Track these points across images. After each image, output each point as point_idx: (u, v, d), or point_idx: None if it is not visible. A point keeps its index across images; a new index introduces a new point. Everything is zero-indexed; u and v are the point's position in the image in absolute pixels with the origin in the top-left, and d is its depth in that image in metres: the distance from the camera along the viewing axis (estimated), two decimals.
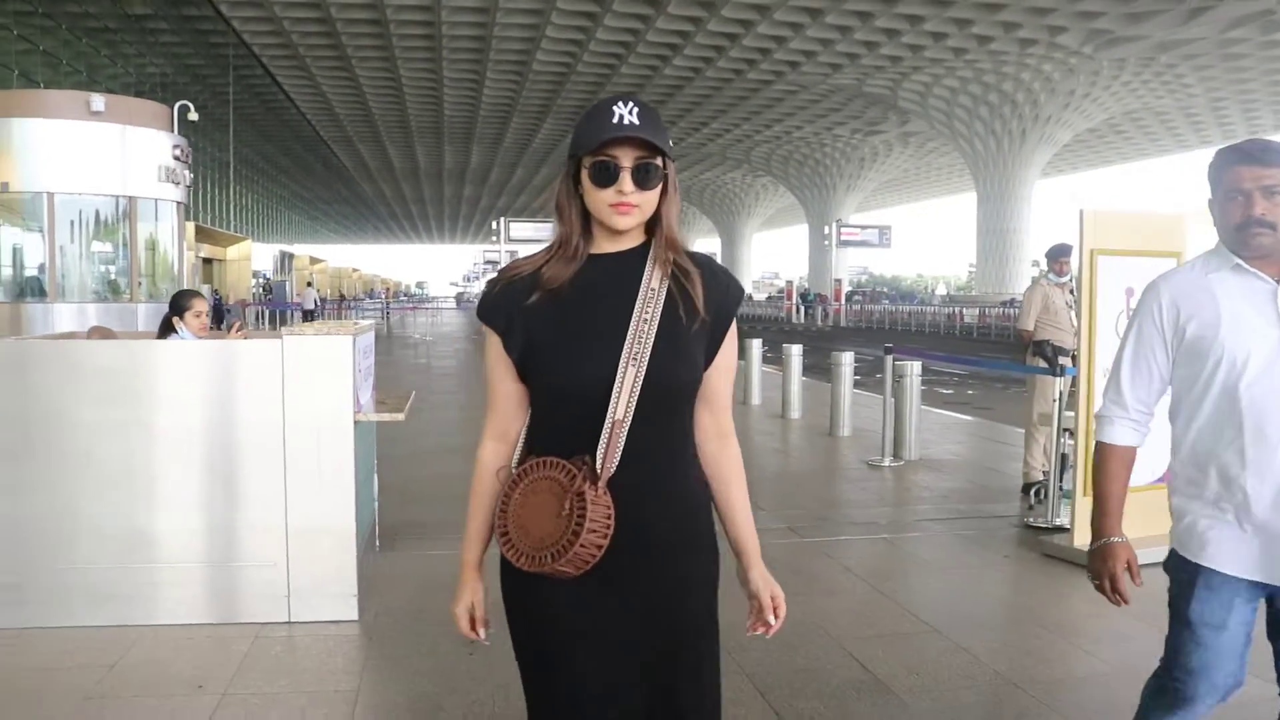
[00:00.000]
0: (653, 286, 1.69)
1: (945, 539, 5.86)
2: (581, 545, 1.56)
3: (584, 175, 1.68)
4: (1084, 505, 5.03)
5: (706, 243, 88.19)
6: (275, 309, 33.00)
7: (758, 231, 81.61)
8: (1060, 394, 5.96)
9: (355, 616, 4.23)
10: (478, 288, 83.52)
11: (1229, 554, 2.19)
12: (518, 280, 1.73)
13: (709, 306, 1.70)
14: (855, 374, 10.29)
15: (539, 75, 40.50)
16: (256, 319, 32.34)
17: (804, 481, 7.73)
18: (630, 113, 1.65)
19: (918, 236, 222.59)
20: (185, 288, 8.63)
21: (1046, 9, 32.07)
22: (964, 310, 40.75)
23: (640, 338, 1.65)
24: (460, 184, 73.38)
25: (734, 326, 1.78)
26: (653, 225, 1.72)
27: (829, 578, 5.07)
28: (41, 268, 15.28)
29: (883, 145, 53.49)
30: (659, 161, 1.67)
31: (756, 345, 12.34)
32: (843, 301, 49.78)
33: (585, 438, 1.63)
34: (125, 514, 4.15)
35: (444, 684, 3.63)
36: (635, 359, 1.64)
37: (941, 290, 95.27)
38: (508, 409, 1.77)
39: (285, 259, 43.75)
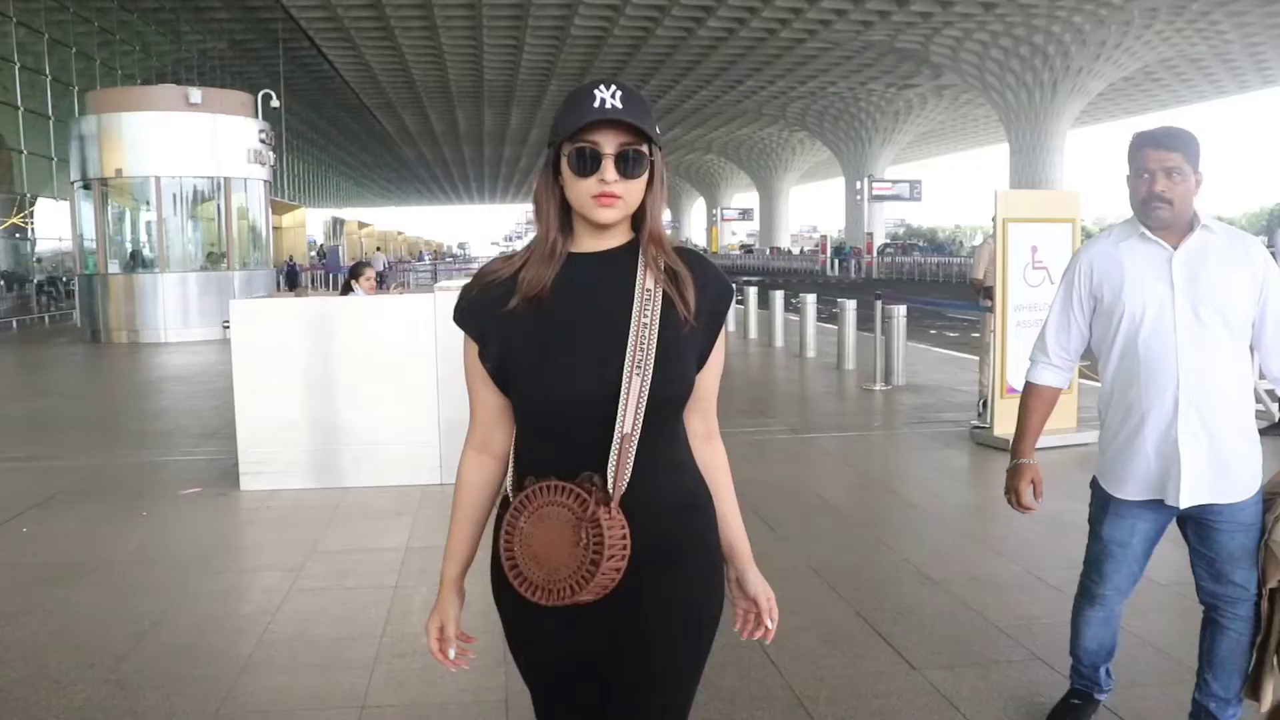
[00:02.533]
0: (648, 288, 1.61)
1: (910, 437, 7.96)
2: (602, 573, 1.51)
3: (564, 165, 1.59)
4: (1001, 405, 7.11)
5: (745, 197, 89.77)
6: (330, 272, 35.08)
7: (795, 185, 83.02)
8: (994, 329, 7.98)
9: None
10: (521, 244, 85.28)
11: (1135, 483, 2.74)
12: (495, 284, 1.66)
13: (702, 309, 1.63)
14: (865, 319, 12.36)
15: (576, 39, 42.21)
16: (311, 282, 34.40)
17: (808, 400, 9.96)
18: (613, 96, 1.57)
19: (956, 188, 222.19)
20: (360, 259, 11.03)
21: None
22: None
23: (643, 345, 1.57)
24: (500, 145, 75.38)
25: (721, 353, 1.73)
26: (638, 221, 1.64)
27: (813, 458, 7.23)
28: (150, 243, 17.56)
29: (917, 99, 54.74)
30: (644, 148, 1.59)
31: (779, 295, 14.46)
32: (874, 254, 51.45)
33: (588, 455, 1.57)
34: (330, 410, 6.35)
35: None
36: (640, 368, 1.56)
37: (978, 240, 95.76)
38: (488, 419, 1.72)
39: (336, 224, 46.21)
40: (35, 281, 27.65)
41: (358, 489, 6.26)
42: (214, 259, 17.76)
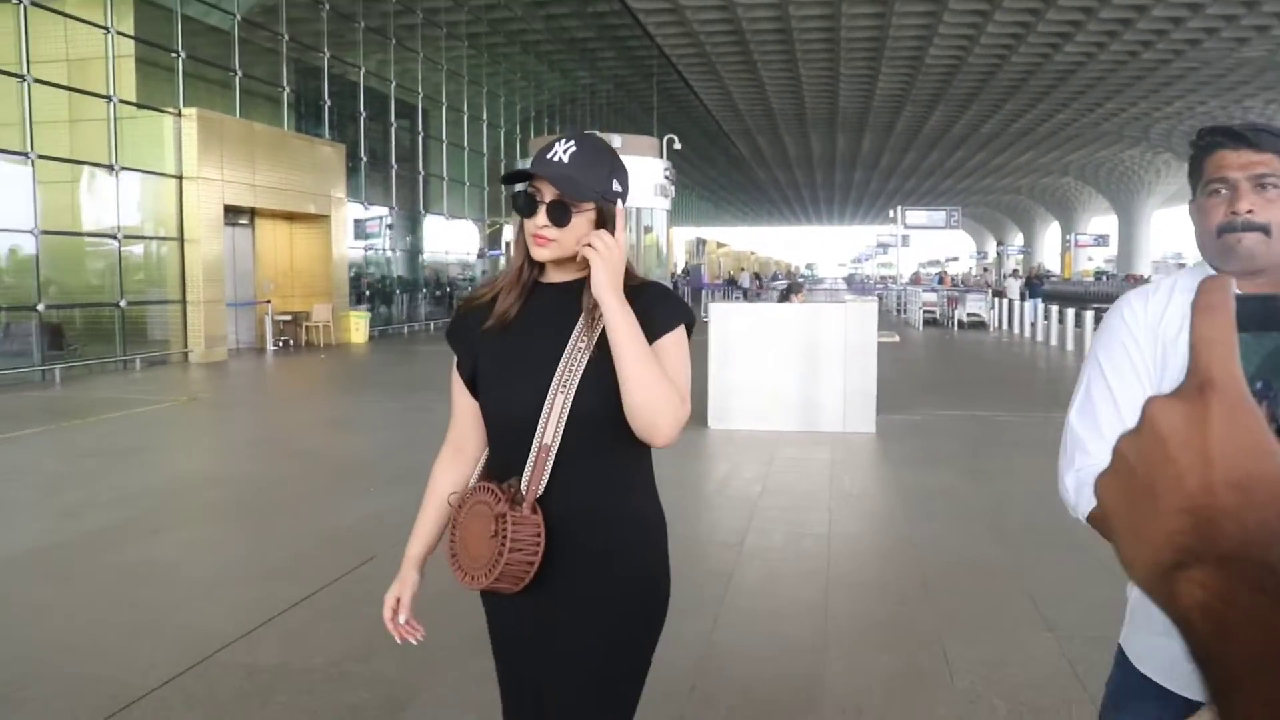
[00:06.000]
0: (595, 316, 1.80)
1: None
2: (508, 564, 1.73)
3: None
4: None
5: (1103, 221, 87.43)
6: (693, 288, 39.45)
7: (1158, 210, 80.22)
8: None
9: (873, 430, 9.61)
10: (869, 269, 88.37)
11: (1155, 659, 1.76)
12: (478, 306, 1.95)
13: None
14: None
15: (931, 67, 44.52)
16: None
17: None
18: (565, 152, 1.81)
19: None
20: (794, 279, 15.04)
21: None
22: None
23: (571, 365, 1.80)
24: (850, 169, 78.27)
25: (674, 338, 1.85)
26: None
27: None
28: None
29: None
30: (584, 204, 1.79)
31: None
32: None
33: (521, 463, 1.81)
34: (770, 378, 9.79)
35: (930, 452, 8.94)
36: (565, 386, 1.79)
37: None
38: (464, 423, 2.00)
39: (699, 245, 51.08)
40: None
41: (788, 431, 9.65)
42: None
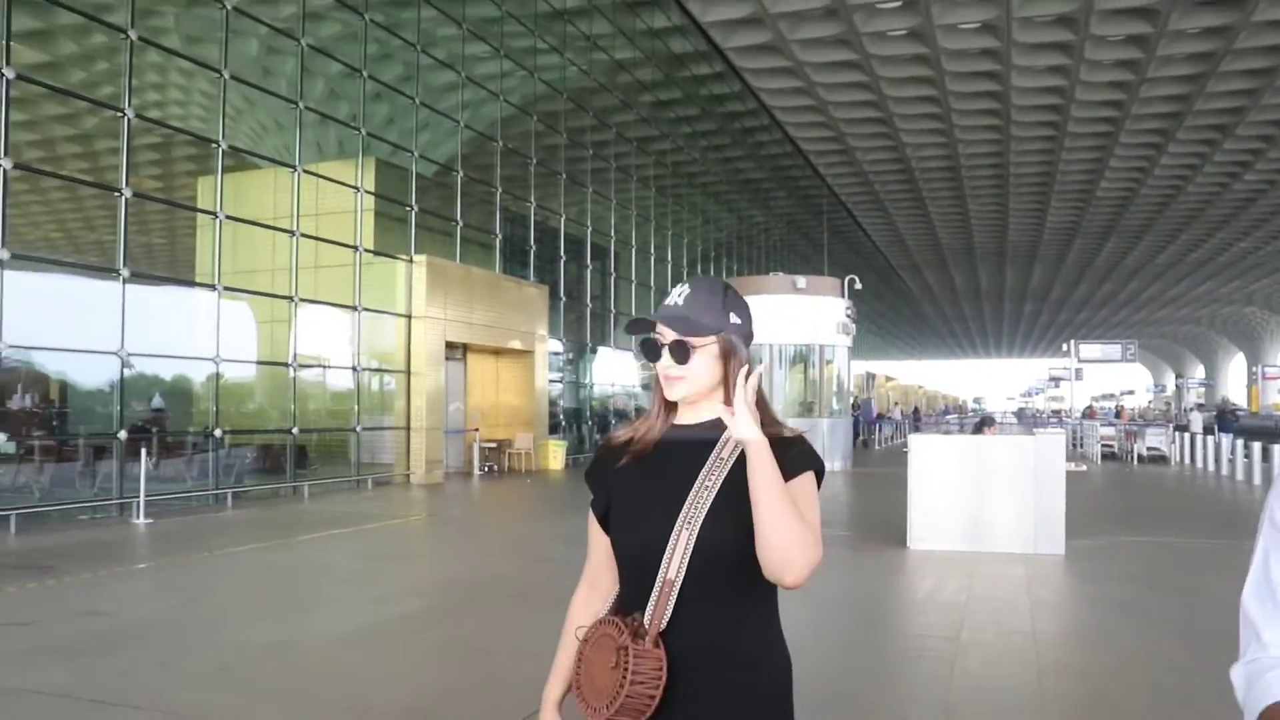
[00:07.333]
0: (722, 456, 1.90)
1: None
2: (629, 696, 1.77)
3: None
4: None
5: None
6: (865, 422, 40.28)
7: None
8: None
9: (1062, 552, 10.45)
10: (1038, 403, 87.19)
11: None
12: (616, 446, 2.05)
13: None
14: None
15: (1102, 200, 44.97)
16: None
17: None
18: (680, 296, 1.95)
19: None
20: (986, 413, 16.39)
21: None
22: None
23: (698, 503, 1.86)
24: (1020, 301, 78.16)
25: (805, 480, 1.88)
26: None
27: None
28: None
29: None
30: (702, 340, 1.90)
31: None
32: None
33: (647, 597, 1.86)
34: (966, 501, 10.77)
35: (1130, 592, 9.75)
36: (690, 522, 1.84)
37: None
38: (598, 560, 2.07)
39: (869, 379, 51.94)
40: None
41: (982, 552, 10.58)
42: (807, 407, 23.30)
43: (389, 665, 6.36)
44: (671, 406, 2.00)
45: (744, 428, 1.77)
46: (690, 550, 1.83)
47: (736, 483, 1.82)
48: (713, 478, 1.87)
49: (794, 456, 1.88)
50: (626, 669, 1.77)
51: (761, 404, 1.89)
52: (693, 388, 1.93)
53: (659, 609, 1.83)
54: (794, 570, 1.74)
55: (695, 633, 1.84)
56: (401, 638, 7.17)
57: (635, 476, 1.97)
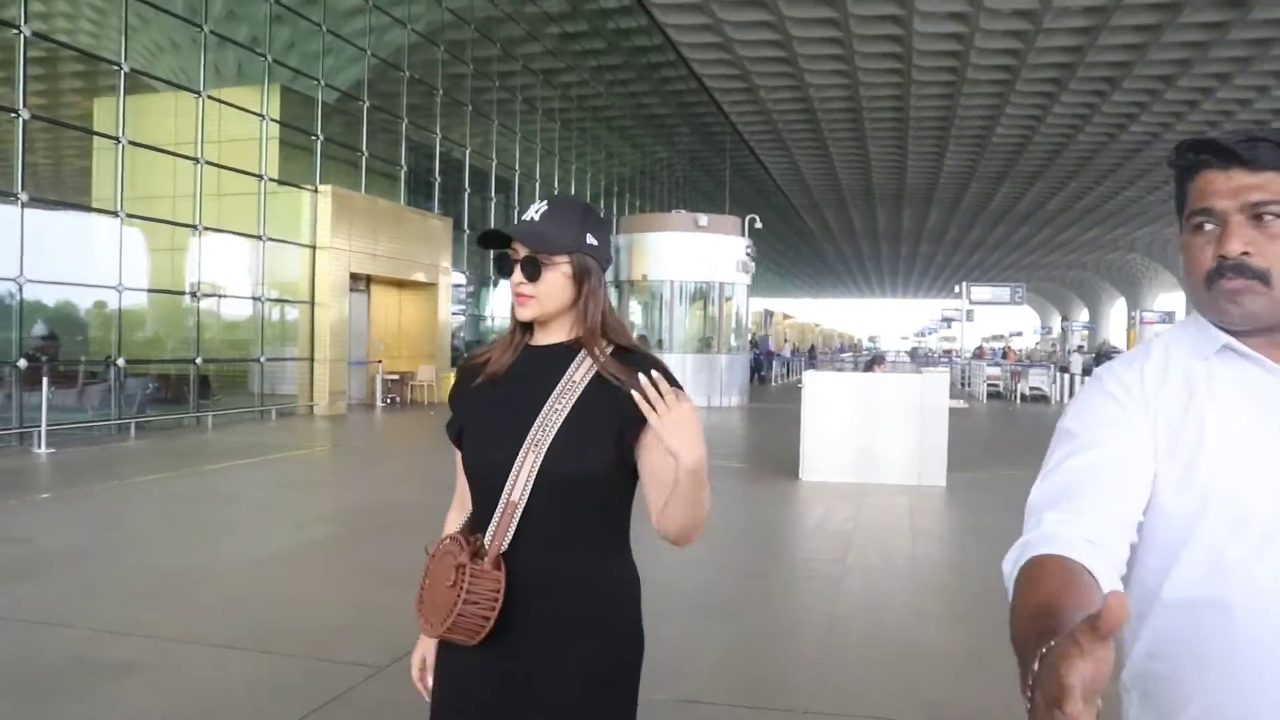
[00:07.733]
0: (574, 379, 1.86)
1: None
2: (461, 615, 1.75)
3: None
4: None
5: (1170, 298, 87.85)
6: (760, 358, 41.22)
7: None
8: None
9: (944, 484, 11.15)
10: (931, 342, 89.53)
11: None
12: (474, 367, 2.02)
13: (620, 409, 1.78)
14: None
15: (998, 145, 46.17)
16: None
17: None
18: (537, 212, 1.88)
19: None
20: (877, 351, 16.88)
21: None
22: None
23: (545, 426, 1.82)
24: (916, 243, 79.86)
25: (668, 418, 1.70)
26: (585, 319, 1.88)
27: None
28: (658, 330, 23.86)
29: None
30: (555, 258, 1.85)
31: None
32: None
33: (491, 518, 1.84)
34: (854, 435, 11.39)
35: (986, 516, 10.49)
36: (536, 445, 1.81)
37: None
38: (462, 479, 2.05)
39: (767, 316, 52.88)
40: None
41: (869, 483, 11.23)
42: (705, 343, 23.85)
43: (309, 588, 6.67)
44: (528, 328, 1.97)
45: (685, 451, 1.70)
46: (535, 473, 1.81)
47: (587, 406, 1.83)
48: (563, 401, 1.84)
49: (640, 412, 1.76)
50: (463, 588, 1.76)
51: (615, 324, 1.92)
52: (544, 307, 1.89)
53: (500, 530, 1.82)
54: (690, 541, 1.83)
55: (538, 555, 1.82)
56: (317, 563, 7.49)
57: (488, 398, 1.94)
